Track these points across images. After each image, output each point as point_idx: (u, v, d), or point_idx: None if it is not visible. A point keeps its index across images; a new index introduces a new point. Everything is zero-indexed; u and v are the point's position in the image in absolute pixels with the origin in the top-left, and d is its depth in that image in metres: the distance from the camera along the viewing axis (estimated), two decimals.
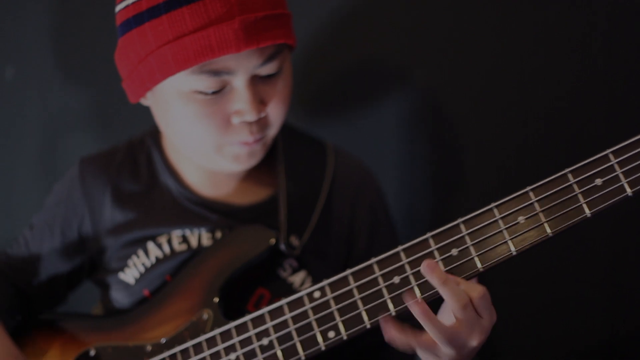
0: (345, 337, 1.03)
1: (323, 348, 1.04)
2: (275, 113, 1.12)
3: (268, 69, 1.08)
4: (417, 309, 0.96)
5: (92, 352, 1.16)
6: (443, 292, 0.97)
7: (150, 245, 1.21)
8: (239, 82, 1.06)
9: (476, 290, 0.98)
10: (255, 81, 1.08)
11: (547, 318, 1.53)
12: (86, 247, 1.25)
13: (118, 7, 1.11)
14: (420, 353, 1.01)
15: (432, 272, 0.97)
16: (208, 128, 1.09)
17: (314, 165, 1.26)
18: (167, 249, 1.21)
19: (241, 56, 1.04)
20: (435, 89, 1.53)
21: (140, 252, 1.21)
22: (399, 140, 1.56)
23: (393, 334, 0.99)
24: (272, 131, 1.15)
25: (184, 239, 1.21)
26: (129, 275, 1.22)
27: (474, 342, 0.98)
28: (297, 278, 1.20)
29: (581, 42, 1.44)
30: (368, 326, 1.03)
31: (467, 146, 1.53)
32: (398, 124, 1.55)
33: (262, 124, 1.12)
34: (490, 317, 0.99)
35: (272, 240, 1.15)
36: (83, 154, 1.30)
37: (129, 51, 1.09)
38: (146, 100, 1.15)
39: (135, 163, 1.26)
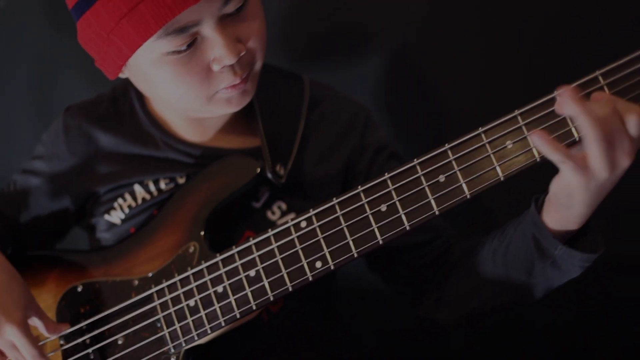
0: (332, 267, 1.02)
1: (310, 279, 1.03)
2: (256, 46, 1.08)
3: (233, 4, 1.02)
4: None
5: (80, 288, 1.16)
6: (582, 121, 0.86)
7: (137, 187, 1.21)
8: (208, 29, 1.01)
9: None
10: (225, 21, 1.03)
11: None
12: (71, 194, 1.25)
13: None
14: (566, 172, 0.90)
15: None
16: (191, 85, 1.05)
17: (291, 96, 1.23)
18: (153, 189, 1.20)
19: (201, 4, 0.98)
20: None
21: (127, 195, 1.21)
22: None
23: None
24: (258, 64, 1.11)
25: (172, 180, 1.20)
26: (115, 216, 1.22)
27: (625, 162, 0.88)
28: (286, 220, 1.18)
29: None
30: (355, 255, 1.01)
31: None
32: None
33: (244, 61, 1.07)
34: None
35: (258, 169, 1.13)
36: (78, 92, 1.28)
37: (90, 33, 1.04)
38: (124, 74, 1.11)
39: (119, 114, 1.25)
